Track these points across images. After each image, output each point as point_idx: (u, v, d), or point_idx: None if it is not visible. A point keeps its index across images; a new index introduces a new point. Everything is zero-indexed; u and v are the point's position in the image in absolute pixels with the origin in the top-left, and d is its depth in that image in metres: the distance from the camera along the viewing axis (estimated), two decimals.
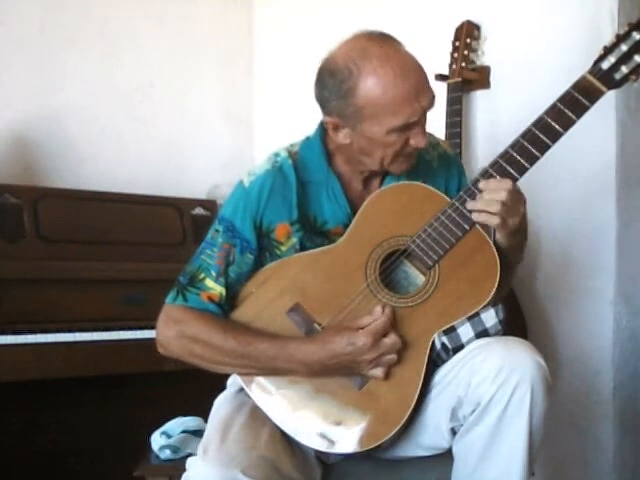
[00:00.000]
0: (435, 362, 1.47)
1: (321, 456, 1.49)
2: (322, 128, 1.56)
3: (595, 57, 1.45)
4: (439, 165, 1.62)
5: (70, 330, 2.16)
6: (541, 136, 1.42)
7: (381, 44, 1.42)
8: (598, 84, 1.43)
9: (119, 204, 2.51)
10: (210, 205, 2.69)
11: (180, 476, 1.37)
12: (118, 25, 2.83)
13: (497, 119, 2.47)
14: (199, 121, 3.04)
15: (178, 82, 2.97)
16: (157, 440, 1.82)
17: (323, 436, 1.43)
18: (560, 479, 2.40)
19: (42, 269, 2.21)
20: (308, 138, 1.57)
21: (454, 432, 1.43)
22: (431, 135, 1.59)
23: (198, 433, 1.77)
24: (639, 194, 2.29)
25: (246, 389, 1.49)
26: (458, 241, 1.45)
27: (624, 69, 1.43)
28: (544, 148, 1.43)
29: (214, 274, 1.49)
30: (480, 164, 2.40)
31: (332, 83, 1.43)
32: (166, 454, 1.78)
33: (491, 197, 1.40)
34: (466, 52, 2.44)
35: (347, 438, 1.42)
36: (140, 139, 2.87)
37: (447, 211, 1.45)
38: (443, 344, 1.45)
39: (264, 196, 1.50)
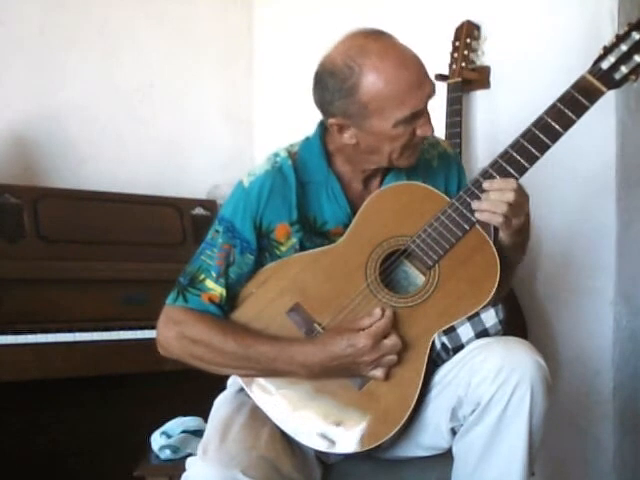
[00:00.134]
0: (435, 362, 1.47)
1: (321, 456, 1.49)
2: (322, 128, 1.56)
3: (595, 57, 1.45)
4: (439, 164, 1.62)
5: (70, 330, 2.16)
6: (541, 136, 1.42)
7: (377, 39, 1.43)
8: (598, 84, 1.43)
9: (119, 204, 2.51)
10: (210, 205, 2.69)
11: (180, 476, 1.37)
12: (118, 25, 2.83)
13: (497, 119, 2.47)
14: (199, 121, 3.04)
15: (178, 82, 2.98)
16: (157, 440, 1.82)
17: (323, 436, 1.43)
18: (560, 479, 2.40)
19: (42, 269, 2.21)
20: (308, 138, 1.57)
21: (454, 432, 1.43)
22: (431, 135, 1.59)
23: (198, 433, 1.77)
24: (639, 194, 2.29)
25: (246, 389, 1.49)
26: (458, 241, 1.45)
27: (624, 69, 1.43)
28: (544, 148, 1.43)
29: (214, 275, 1.49)
30: (480, 164, 2.40)
31: (333, 83, 1.43)
32: (166, 454, 1.78)
33: (497, 198, 1.40)
34: (466, 52, 2.44)
35: (347, 438, 1.42)
36: (140, 139, 2.87)
37: (447, 211, 1.45)
38: (443, 344, 1.45)
39: (264, 196, 1.50)
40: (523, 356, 1.36)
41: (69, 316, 2.20)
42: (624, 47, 1.43)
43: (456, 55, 2.46)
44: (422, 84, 1.42)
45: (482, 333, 1.45)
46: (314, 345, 1.43)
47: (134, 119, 2.86)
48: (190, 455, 1.54)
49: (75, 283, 2.23)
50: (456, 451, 1.43)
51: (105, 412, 2.28)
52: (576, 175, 2.32)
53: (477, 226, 1.45)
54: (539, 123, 1.43)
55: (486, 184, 1.42)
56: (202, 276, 1.50)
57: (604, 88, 1.43)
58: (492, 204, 1.41)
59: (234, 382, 1.59)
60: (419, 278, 1.49)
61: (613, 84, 1.44)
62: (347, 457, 1.47)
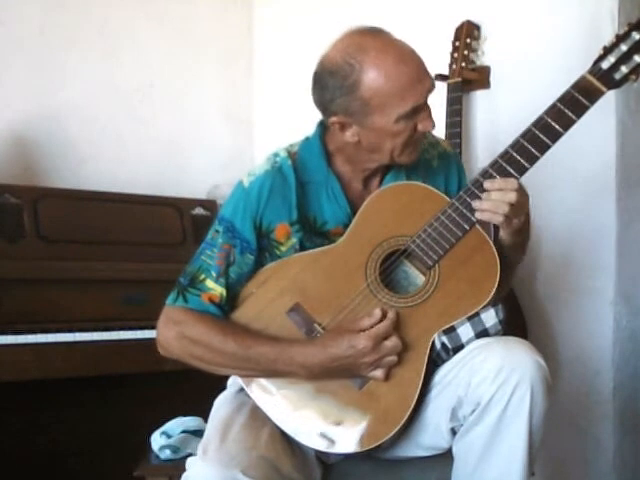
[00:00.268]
0: (435, 362, 1.47)
1: (321, 456, 1.49)
2: (321, 128, 1.56)
3: (595, 57, 1.45)
4: (439, 164, 1.62)
5: (70, 330, 2.16)
6: (541, 136, 1.42)
7: (375, 36, 1.44)
8: (598, 84, 1.43)
9: (119, 204, 2.51)
10: (210, 205, 2.69)
11: (180, 476, 1.37)
12: (118, 25, 2.83)
13: (497, 119, 2.47)
14: (199, 121, 3.04)
15: (178, 82, 2.97)
16: (157, 440, 1.82)
17: (323, 436, 1.43)
18: (560, 479, 2.40)
19: (42, 269, 2.21)
20: (307, 138, 1.57)
21: (454, 432, 1.43)
22: (430, 134, 1.60)
23: (198, 433, 1.77)
24: (639, 194, 2.29)
25: (246, 389, 1.49)
26: (458, 241, 1.45)
27: (624, 69, 1.43)
28: (544, 148, 1.43)
29: (214, 275, 1.49)
30: (480, 164, 2.40)
31: (334, 82, 1.43)
32: (166, 454, 1.78)
33: (499, 197, 1.40)
34: (466, 52, 2.44)
35: (347, 438, 1.42)
36: (140, 139, 2.87)
37: (447, 211, 1.45)
38: (443, 344, 1.45)
39: (264, 196, 1.50)
40: (523, 356, 1.36)
41: (69, 316, 2.20)
42: (624, 47, 1.43)
43: (456, 55, 2.46)
44: (422, 79, 1.43)
45: (482, 333, 1.44)
46: (314, 346, 1.43)
47: (134, 119, 2.86)
48: (190, 455, 1.54)
49: (75, 283, 2.23)
50: (456, 451, 1.43)
51: (105, 412, 2.28)
52: (576, 175, 2.32)
53: (477, 226, 1.45)
54: (539, 123, 1.43)
55: (487, 184, 1.42)
56: (202, 276, 1.50)
57: (604, 88, 1.43)
58: (493, 204, 1.41)
59: (234, 382, 1.59)
60: (419, 278, 1.49)
61: (613, 84, 1.44)
62: (347, 457, 1.47)
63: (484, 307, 1.43)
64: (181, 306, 1.49)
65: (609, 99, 2.08)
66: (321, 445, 1.43)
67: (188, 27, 3.01)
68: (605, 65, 1.43)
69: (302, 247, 1.51)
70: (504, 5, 2.46)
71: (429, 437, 1.47)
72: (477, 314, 1.44)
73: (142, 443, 1.85)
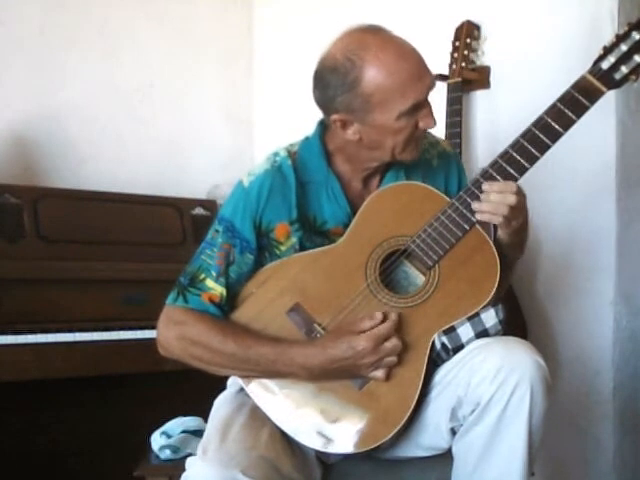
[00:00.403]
0: (435, 362, 1.46)
1: (321, 456, 1.49)
2: (321, 128, 1.56)
3: (595, 57, 1.45)
4: (439, 163, 1.62)
5: (70, 330, 2.16)
6: (541, 136, 1.42)
7: (375, 33, 1.44)
8: (598, 84, 1.43)
9: (119, 204, 2.51)
10: (210, 205, 2.69)
11: (180, 476, 1.37)
12: (118, 25, 2.83)
13: (497, 119, 2.47)
14: (199, 121, 3.04)
15: (178, 82, 2.97)
16: (157, 440, 1.82)
17: (322, 434, 1.43)
18: (560, 479, 2.40)
19: (42, 269, 2.21)
20: (307, 138, 1.57)
21: (454, 432, 1.43)
22: (430, 134, 1.60)
23: (198, 433, 1.76)
24: (639, 194, 2.29)
25: (246, 389, 1.49)
26: (458, 241, 1.45)
27: (624, 69, 1.43)
28: (544, 148, 1.43)
29: (214, 274, 1.49)
30: (480, 164, 2.40)
31: (335, 79, 1.43)
32: (166, 454, 1.78)
33: (499, 200, 1.41)
34: (466, 52, 2.44)
35: (346, 437, 1.42)
36: (140, 139, 2.87)
37: (447, 211, 1.45)
38: (443, 344, 1.45)
39: (263, 196, 1.50)
40: (523, 356, 1.35)
41: (69, 316, 2.20)
42: (624, 47, 1.43)
43: (456, 55, 2.46)
44: (422, 75, 1.43)
45: (482, 333, 1.44)
46: (314, 347, 1.43)
47: (134, 119, 2.86)
48: (190, 455, 1.54)
49: (75, 283, 2.23)
50: (456, 451, 1.43)
51: (105, 412, 2.28)
52: (576, 175, 2.32)
53: (477, 226, 1.45)
54: (539, 123, 1.43)
55: (486, 186, 1.42)
56: (202, 275, 1.50)
57: (604, 88, 1.43)
58: (493, 206, 1.41)
59: (234, 382, 1.59)
60: (419, 278, 1.49)
61: (613, 84, 1.44)
62: (347, 457, 1.47)
63: (484, 307, 1.43)
64: (181, 306, 1.49)
65: (609, 99, 2.08)
66: (320, 444, 1.43)
67: (188, 27, 3.00)
68: (605, 65, 1.43)
69: (302, 247, 1.51)
70: (504, 5, 2.46)
71: (429, 437, 1.47)
72: (477, 314, 1.44)
73: (142, 443, 1.85)
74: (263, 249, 1.52)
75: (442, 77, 2.44)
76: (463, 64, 2.44)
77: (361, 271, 1.46)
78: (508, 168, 1.43)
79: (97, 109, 2.76)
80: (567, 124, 1.42)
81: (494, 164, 1.44)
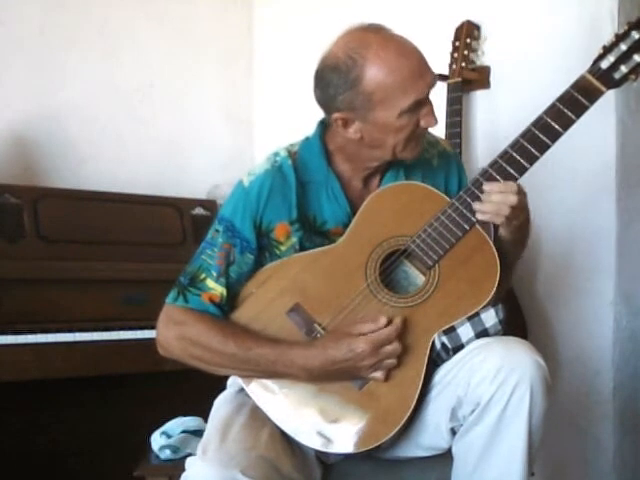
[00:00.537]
0: (435, 362, 1.46)
1: (321, 456, 1.49)
2: (321, 128, 1.56)
3: (595, 57, 1.45)
4: (439, 163, 1.62)
5: (70, 330, 2.16)
6: (541, 136, 1.43)
7: (376, 32, 1.45)
8: (597, 84, 1.43)
9: (119, 204, 2.51)
10: (210, 205, 2.69)
11: (180, 476, 1.37)
12: (118, 25, 2.83)
13: (497, 119, 2.47)
14: (199, 121, 3.04)
15: (178, 82, 2.97)
16: (157, 440, 1.82)
17: (322, 434, 1.43)
18: (560, 479, 2.40)
19: (42, 269, 2.21)
20: (307, 138, 1.57)
21: (454, 432, 1.43)
22: (430, 134, 1.60)
23: (198, 433, 1.76)
24: (639, 194, 2.29)
25: (246, 389, 1.49)
26: (458, 241, 1.45)
27: (623, 68, 1.43)
28: (544, 148, 1.43)
29: (215, 274, 1.49)
30: (480, 164, 2.40)
31: (337, 77, 1.44)
32: (166, 454, 1.78)
33: (500, 200, 1.41)
34: (466, 52, 2.44)
35: (346, 437, 1.42)
36: (140, 139, 2.87)
37: (447, 211, 1.45)
38: (443, 344, 1.45)
39: (264, 196, 1.50)
40: (523, 356, 1.35)
41: (69, 316, 2.20)
42: (624, 46, 1.43)
43: (456, 55, 2.46)
44: (423, 73, 1.43)
45: (482, 333, 1.44)
46: (314, 348, 1.43)
47: (134, 119, 2.86)
48: (190, 455, 1.54)
49: (75, 283, 2.23)
50: (456, 451, 1.43)
51: (105, 412, 2.27)
52: (576, 175, 2.32)
53: (477, 226, 1.45)
54: (539, 123, 1.43)
55: (486, 186, 1.42)
56: (202, 275, 1.50)
57: (604, 88, 1.43)
58: (495, 206, 1.42)
59: (234, 382, 1.59)
60: (419, 278, 1.49)
61: (613, 84, 1.44)
62: (347, 457, 1.47)
63: (484, 307, 1.43)
64: (181, 306, 1.49)
65: (609, 99, 2.08)
66: (320, 444, 1.43)
67: (188, 27, 3.00)
68: (605, 65, 1.43)
69: (302, 247, 1.51)
70: (504, 5, 2.46)
71: (429, 437, 1.47)
72: (477, 314, 1.44)
73: (142, 443, 1.85)
74: (263, 249, 1.52)
75: (442, 77, 2.44)
76: (463, 64, 2.44)
77: (361, 271, 1.46)
78: (508, 168, 1.43)
79: (97, 109, 2.76)
80: (567, 124, 1.42)
81: (494, 164, 1.44)
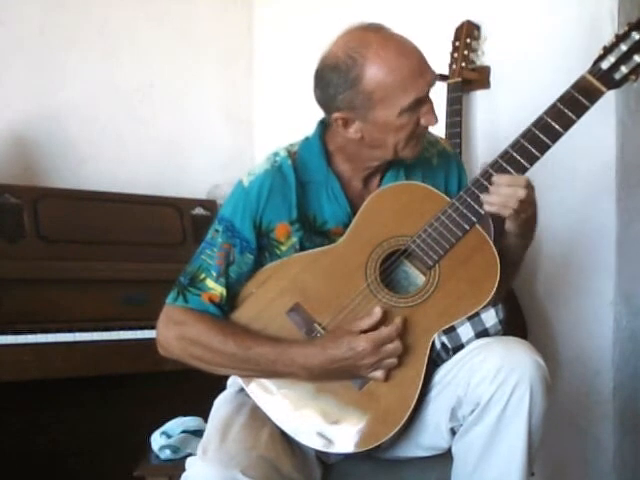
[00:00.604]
0: (435, 362, 1.46)
1: (321, 456, 1.49)
2: (321, 128, 1.56)
3: (595, 57, 1.45)
4: (438, 162, 1.62)
5: (70, 330, 2.16)
6: (541, 136, 1.43)
7: (376, 31, 1.45)
8: (598, 84, 1.43)
9: (119, 204, 2.51)
10: (210, 205, 2.69)
11: (180, 476, 1.37)
12: (118, 25, 2.83)
13: (497, 119, 2.47)
14: (199, 121, 3.04)
15: (178, 82, 2.97)
16: (157, 440, 1.82)
17: (322, 435, 1.43)
18: (560, 479, 2.40)
19: (42, 269, 2.21)
20: (307, 138, 1.57)
21: (454, 432, 1.43)
22: (430, 133, 1.60)
23: (198, 433, 1.76)
24: (639, 194, 2.29)
25: (246, 389, 1.49)
26: (458, 241, 1.45)
27: (624, 69, 1.43)
28: (544, 148, 1.43)
29: (214, 274, 1.49)
30: (480, 164, 2.40)
31: (337, 77, 1.44)
32: (166, 454, 1.78)
33: (509, 193, 1.41)
34: (466, 52, 2.44)
35: (346, 438, 1.42)
36: (140, 139, 2.87)
37: (447, 211, 1.45)
38: (443, 344, 1.45)
39: (263, 196, 1.50)
40: (522, 356, 1.35)
41: (69, 316, 2.20)
42: (624, 47, 1.43)
43: (456, 55, 2.46)
44: (423, 72, 1.43)
45: (482, 333, 1.45)
46: (314, 347, 1.42)
47: (134, 119, 2.86)
48: (190, 455, 1.54)
49: (75, 283, 2.23)
50: (456, 451, 1.43)
51: (105, 412, 2.28)
52: (576, 175, 2.32)
53: (477, 226, 1.45)
54: (539, 123, 1.43)
55: (496, 178, 1.42)
56: (202, 275, 1.50)
57: (604, 88, 1.43)
58: (503, 199, 1.41)
59: (234, 382, 1.59)
60: (419, 278, 1.49)
61: (613, 84, 1.44)
62: (347, 457, 1.47)
63: (484, 307, 1.43)
64: (181, 306, 1.49)
65: (609, 99, 2.08)
66: (320, 445, 1.43)
67: (188, 27, 3.01)
68: (605, 65, 1.43)
69: (302, 247, 1.51)
70: (504, 5, 2.46)
71: (429, 437, 1.47)
72: (477, 314, 1.44)
73: (142, 443, 1.85)
74: (263, 249, 1.52)
75: (442, 77, 2.44)
76: (463, 64, 2.44)
77: (361, 271, 1.46)
78: (508, 168, 1.43)
79: (97, 109, 2.76)
80: (567, 124, 1.43)
81: (494, 164, 1.44)
